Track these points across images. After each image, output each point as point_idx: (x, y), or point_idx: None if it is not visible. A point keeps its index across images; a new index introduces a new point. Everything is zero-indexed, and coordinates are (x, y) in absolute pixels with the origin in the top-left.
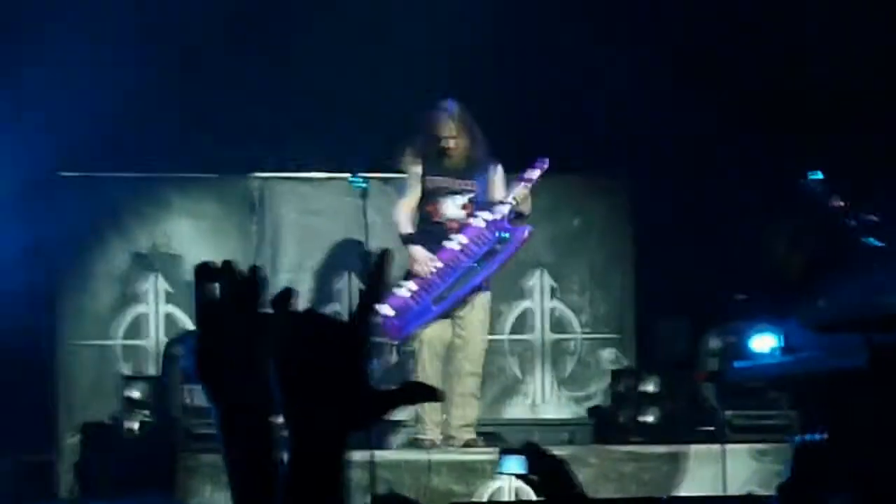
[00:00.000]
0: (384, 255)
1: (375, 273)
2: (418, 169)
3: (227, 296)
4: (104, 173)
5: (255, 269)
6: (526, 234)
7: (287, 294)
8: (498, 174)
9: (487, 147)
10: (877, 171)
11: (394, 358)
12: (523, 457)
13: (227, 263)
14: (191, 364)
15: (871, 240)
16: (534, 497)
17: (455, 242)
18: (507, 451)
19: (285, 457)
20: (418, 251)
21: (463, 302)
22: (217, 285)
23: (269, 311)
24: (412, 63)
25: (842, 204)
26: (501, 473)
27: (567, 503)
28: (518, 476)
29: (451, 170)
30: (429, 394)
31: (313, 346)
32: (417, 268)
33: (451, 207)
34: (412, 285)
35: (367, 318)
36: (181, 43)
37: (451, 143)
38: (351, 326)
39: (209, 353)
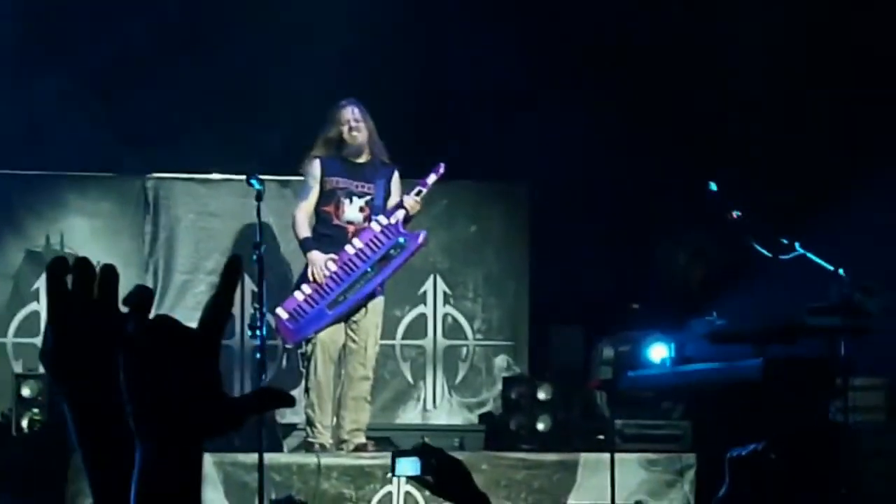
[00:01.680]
0: (233, 261)
1: (225, 278)
2: (317, 170)
3: (78, 292)
4: None
5: (108, 267)
6: (421, 239)
7: (142, 293)
8: (395, 179)
9: (385, 150)
10: (774, 185)
11: (286, 361)
12: (417, 458)
13: (81, 259)
14: (45, 361)
15: (765, 252)
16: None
17: (350, 246)
18: (400, 452)
19: (136, 465)
20: (316, 255)
21: (357, 306)
22: (69, 280)
23: (124, 309)
24: (311, 66)
25: (737, 215)
26: (396, 476)
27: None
28: (412, 478)
29: (350, 166)
30: (282, 399)
31: (160, 349)
32: (315, 271)
33: (351, 210)
34: (307, 289)
35: (216, 320)
36: (80, 40)
37: (354, 125)
38: (200, 329)
39: (61, 350)
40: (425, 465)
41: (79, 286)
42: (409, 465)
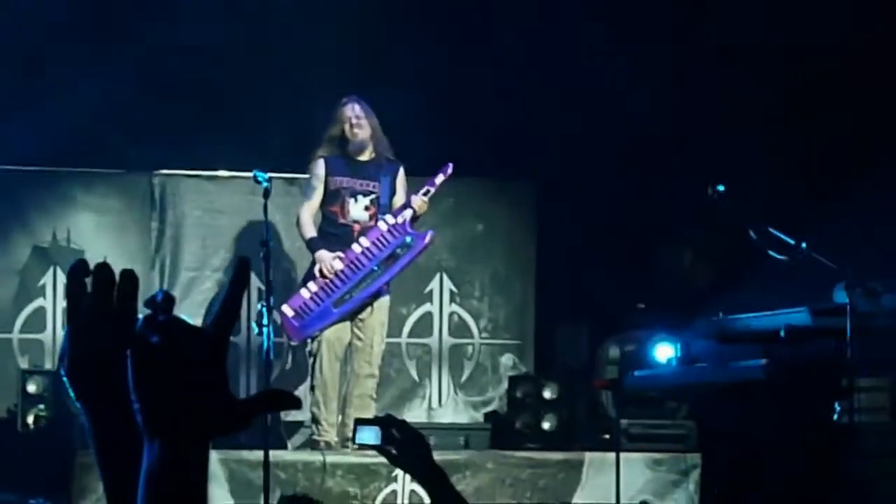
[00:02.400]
0: (242, 262)
1: (234, 279)
2: (321, 170)
3: (96, 297)
4: (6, 166)
5: (127, 272)
6: (428, 239)
7: (166, 299)
8: (400, 176)
9: (389, 147)
10: (781, 184)
11: (291, 358)
12: (378, 428)
13: (101, 265)
14: (62, 364)
15: (772, 252)
16: (427, 501)
17: (357, 245)
18: (361, 421)
19: (143, 463)
20: (324, 253)
21: (363, 305)
22: (88, 284)
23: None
24: (319, 64)
25: (744, 216)
26: (357, 444)
27: None
28: (373, 447)
29: (354, 165)
30: (289, 401)
31: (170, 349)
32: (323, 267)
33: (356, 209)
34: (312, 286)
35: (225, 323)
36: (87, 36)
37: (355, 122)
38: (209, 331)
39: (78, 354)
40: (386, 435)
41: (97, 291)
42: (369, 434)
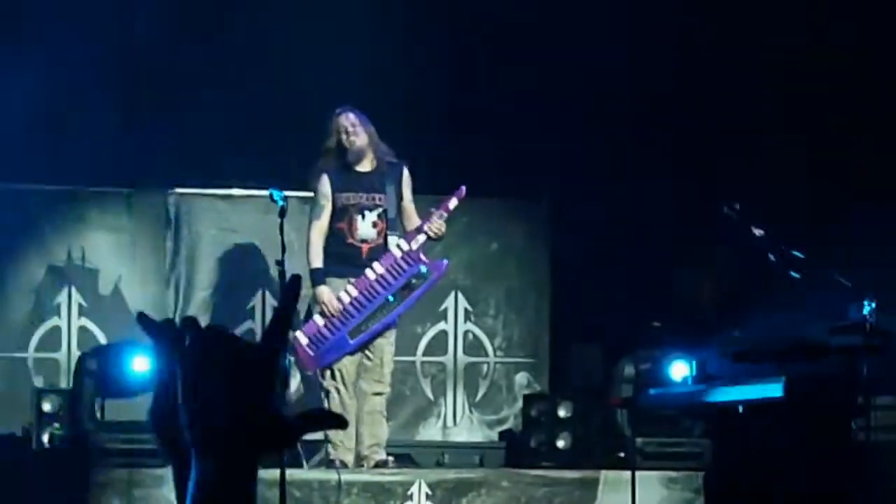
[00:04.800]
0: (294, 280)
1: (285, 296)
2: (327, 187)
3: (202, 351)
4: (20, 184)
5: (220, 328)
6: (444, 268)
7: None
8: (405, 178)
9: (389, 150)
10: (796, 202)
11: (307, 377)
12: None
13: (190, 319)
14: (153, 420)
15: (788, 270)
16: None
17: (371, 271)
18: None
19: (191, 483)
20: (324, 291)
21: (378, 336)
22: (188, 342)
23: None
24: (333, 83)
25: (760, 234)
26: None
27: None
28: None
29: (358, 178)
30: (336, 421)
31: (221, 369)
32: (324, 309)
33: (364, 226)
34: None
35: (276, 343)
36: (102, 56)
37: (351, 129)
38: (260, 351)
39: (167, 411)
40: None
41: (197, 346)
42: None
